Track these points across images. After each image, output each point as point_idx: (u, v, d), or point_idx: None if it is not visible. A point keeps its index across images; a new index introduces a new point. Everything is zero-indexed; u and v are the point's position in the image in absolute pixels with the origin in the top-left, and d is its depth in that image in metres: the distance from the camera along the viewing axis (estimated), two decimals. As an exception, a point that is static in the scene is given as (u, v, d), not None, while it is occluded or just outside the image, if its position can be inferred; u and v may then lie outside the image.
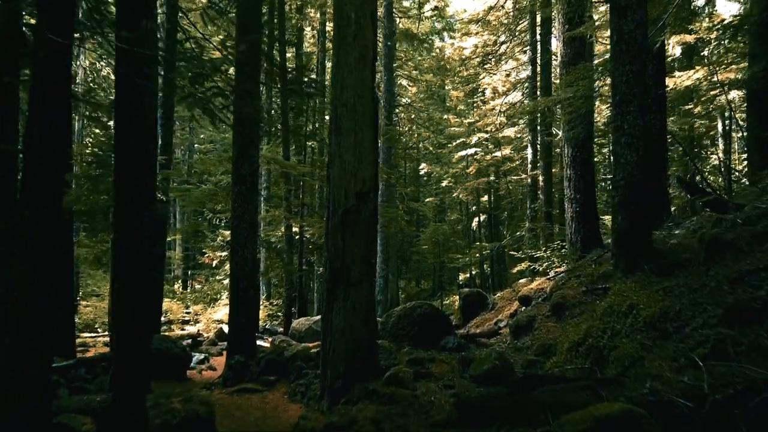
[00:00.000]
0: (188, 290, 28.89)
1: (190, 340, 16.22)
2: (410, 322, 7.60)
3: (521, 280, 13.53)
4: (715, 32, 11.68)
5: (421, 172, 32.47)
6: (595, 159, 17.38)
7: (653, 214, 10.49)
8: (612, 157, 10.36)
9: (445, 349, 7.35)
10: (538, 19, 19.37)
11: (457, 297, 13.05)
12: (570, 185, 10.30)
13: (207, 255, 23.80)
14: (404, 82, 28.28)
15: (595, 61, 10.92)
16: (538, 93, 19.61)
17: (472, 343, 8.49)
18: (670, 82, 11.97)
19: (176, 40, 12.69)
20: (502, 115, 20.98)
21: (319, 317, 14.08)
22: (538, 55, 19.33)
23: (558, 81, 20.50)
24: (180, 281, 29.58)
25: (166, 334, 17.85)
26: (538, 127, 18.76)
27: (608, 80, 12.32)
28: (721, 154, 18.47)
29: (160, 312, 12.99)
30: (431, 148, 30.79)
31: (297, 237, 15.59)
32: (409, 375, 6.09)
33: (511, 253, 18.20)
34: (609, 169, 23.22)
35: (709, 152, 19.87)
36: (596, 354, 4.19)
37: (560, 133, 20.67)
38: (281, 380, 8.85)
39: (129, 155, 5.12)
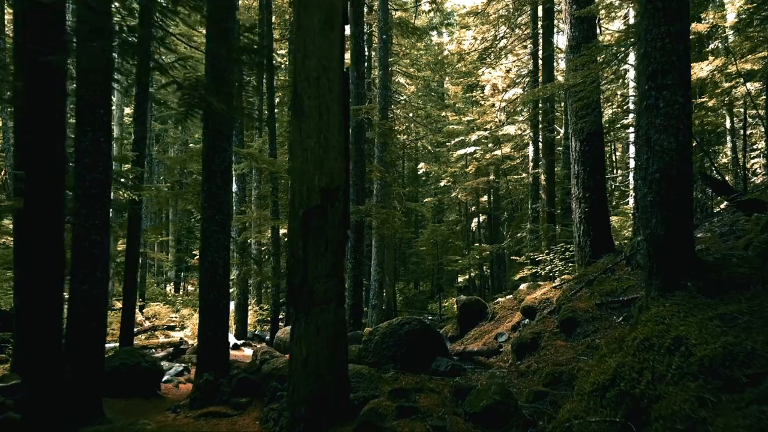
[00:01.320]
0: (180, 293, 27.75)
1: (171, 349, 15.04)
2: (397, 341, 6.42)
3: (522, 286, 12.39)
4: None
5: (420, 172, 31.28)
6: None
7: None
8: (631, 149, 9.15)
9: (437, 372, 6.18)
10: (540, 11, 18.21)
11: (456, 300, 11.91)
12: (578, 183, 9.12)
13: (197, 257, 22.66)
14: (402, 80, 27.11)
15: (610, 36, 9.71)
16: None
17: (469, 363, 7.32)
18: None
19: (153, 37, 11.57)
20: (502, 112, 19.81)
21: (305, 326, 12.92)
22: (540, 49, 18.16)
23: (561, 78, 19.38)
24: (172, 283, 28.43)
25: (148, 342, 16.69)
26: (540, 124, 17.59)
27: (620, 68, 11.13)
28: (728, 151, 17.27)
29: (132, 322, 11.82)
30: (429, 147, 29.60)
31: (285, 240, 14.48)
32: (390, 411, 4.90)
33: (513, 258, 17.03)
34: (615, 166, 22.00)
35: (715, 148, 18.65)
36: (631, 405, 3.04)
37: (561, 131, 19.53)
38: (254, 402, 7.71)
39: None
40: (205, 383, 8.24)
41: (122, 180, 9.82)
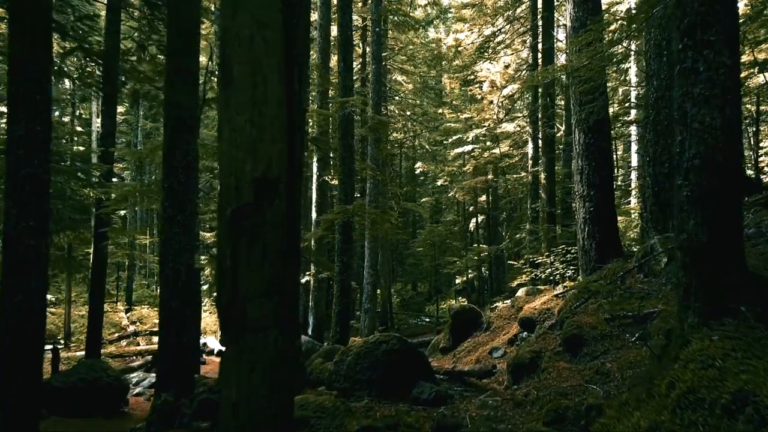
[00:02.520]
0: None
1: (150, 357, 14.04)
2: (372, 362, 5.40)
3: (521, 291, 11.39)
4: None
5: (417, 172, 30.22)
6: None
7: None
8: (633, 147, 8.09)
9: (418, 401, 5.15)
10: (539, 2, 17.15)
11: (449, 308, 10.88)
12: (582, 179, 8.08)
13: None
14: (399, 78, 26.05)
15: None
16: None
17: (459, 384, 6.30)
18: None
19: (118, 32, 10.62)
20: (501, 109, 18.76)
21: (288, 334, 11.91)
22: (539, 41, 17.11)
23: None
24: (164, 285, 27.34)
25: (127, 349, 15.68)
26: (540, 119, 16.54)
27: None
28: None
29: (99, 330, 10.81)
30: (427, 146, 28.55)
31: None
32: (354, 460, 3.89)
33: (510, 262, 15.98)
34: (617, 165, 20.91)
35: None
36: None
37: (562, 128, 18.49)
38: (216, 428, 6.71)
39: None
40: (162, 404, 7.20)
41: (82, 176, 8.82)
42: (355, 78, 23.64)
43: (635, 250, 8.54)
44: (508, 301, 12.99)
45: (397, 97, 24.93)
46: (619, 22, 6.61)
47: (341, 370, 5.53)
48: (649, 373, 2.91)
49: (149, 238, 20.40)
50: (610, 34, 6.80)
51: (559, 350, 5.70)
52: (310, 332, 15.67)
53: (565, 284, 8.12)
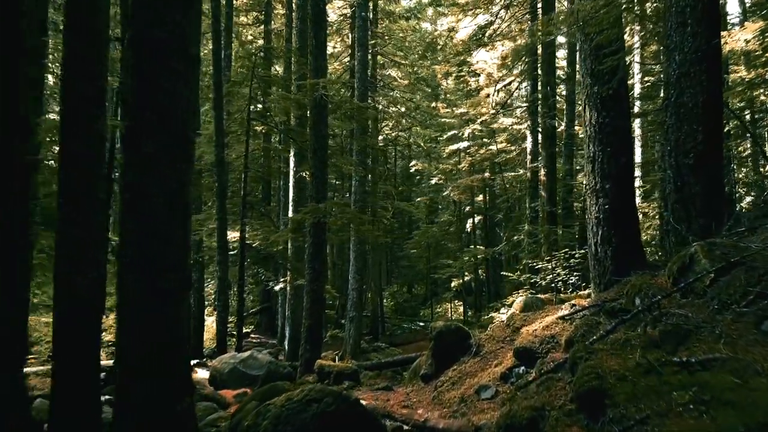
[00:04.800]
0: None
1: (103, 374, 12.16)
2: (298, 430, 3.55)
3: (517, 303, 9.54)
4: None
5: (412, 170, 28.32)
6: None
7: (707, 211, 6.41)
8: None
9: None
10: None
11: (430, 328, 9.01)
12: (594, 169, 6.19)
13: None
14: (394, 73, 24.17)
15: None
16: (539, 71, 15.52)
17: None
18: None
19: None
20: (498, 103, 16.85)
21: (249, 353, 10.05)
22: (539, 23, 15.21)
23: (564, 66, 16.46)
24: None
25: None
26: (539, 110, 14.65)
27: None
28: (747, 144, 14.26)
29: (23, 342, 8.91)
30: (422, 143, 26.65)
31: (236, 244, 11.60)
32: None
33: (505, 273, 14.09)
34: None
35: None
36: None
37: (563, 124, 16.62)
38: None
39: None
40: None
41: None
42: (344, 69, 21.82)
43: (657, 258, 6.67)
44: (504, 316, 11.14)
45: (391, 93, 23.03)
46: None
47: (251, 442, 3.68)
48: None
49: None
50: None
51: (571, 409, 3.83)
52: (286, 344, 13.82)
53: (572, 302, 6.22)
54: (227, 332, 15.73)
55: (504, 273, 14.09)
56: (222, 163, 11.20)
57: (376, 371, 11.00)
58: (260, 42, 20.06)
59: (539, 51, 15.63)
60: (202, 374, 12.17)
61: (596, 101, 6.15)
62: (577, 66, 6.55)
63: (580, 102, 6.45)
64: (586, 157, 6.37)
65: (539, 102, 14.75)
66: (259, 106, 11.96)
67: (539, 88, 15.05)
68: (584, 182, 6.49)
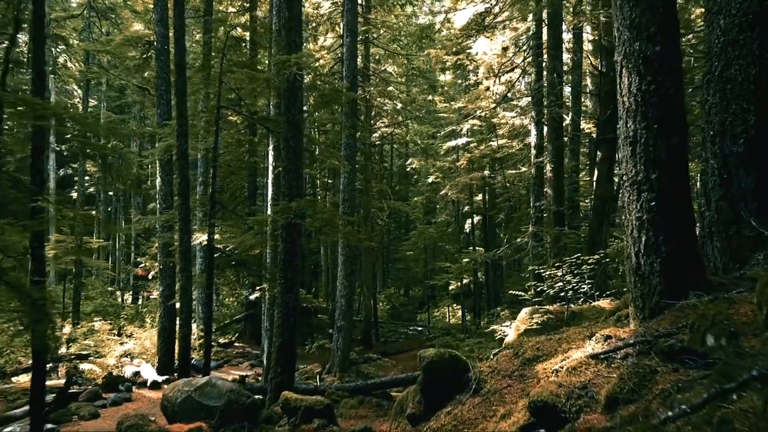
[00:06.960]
0: (140, 302, 23.17)
1: (52, 396, 10.47)
2: None
3: (522, 314, 7.97)
4: None
5: (409, 169, 26.59)
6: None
7: (762, 209, 4.75)
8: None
9: None
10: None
11: (419, 356, 7.30)
12: (635, 154, 4.47)
13: (141, 266, 18.13)
14: (389, 68, 22.46)
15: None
16: (545, 58, 13.84)
17: None
18: None
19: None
20: (497, 85, 15.14)
21: (206, 378, 8.34)
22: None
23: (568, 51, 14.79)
24: (130, 293, 23.81)
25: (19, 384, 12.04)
26: (544, 98, 12.97)
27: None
28: None
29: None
30: (419, 140, 24.94)
31: (203, 246, 9.94)
32: None
33: (509, 291, 12.38)
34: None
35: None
36: None
37: (568, 119, 14.96)
38: None
39: None
40: None
41: None
42: (336, 61, 20.11)
43: (719, 275, 4.97)
44: (507, 329, 9.52)
45: (387, 89, 21.30)
46: None
47: None
48: None
49: (102, 242, 16.94)
50: None
51: None
52: (264, 360, 12.13)
53: (607, 334, 4.49)
54: (193, 348, 13.89)
55: (506, 281, 12.41)
56: (185, 155, 9.53)
57: (359, 397, 9.33)
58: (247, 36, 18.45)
59: (545, 37, 13.97)
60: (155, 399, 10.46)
61: (638, 62, 4.45)
62: (613, 15, 4.82)
63: (617, 63, 4.72)
64: (622, 138, 4.66)
65: (545, 89, 13.06)
66: (233, 95, 10.28)
67: (545, 74, 13.36)
68: (622, 171, 4.77)
